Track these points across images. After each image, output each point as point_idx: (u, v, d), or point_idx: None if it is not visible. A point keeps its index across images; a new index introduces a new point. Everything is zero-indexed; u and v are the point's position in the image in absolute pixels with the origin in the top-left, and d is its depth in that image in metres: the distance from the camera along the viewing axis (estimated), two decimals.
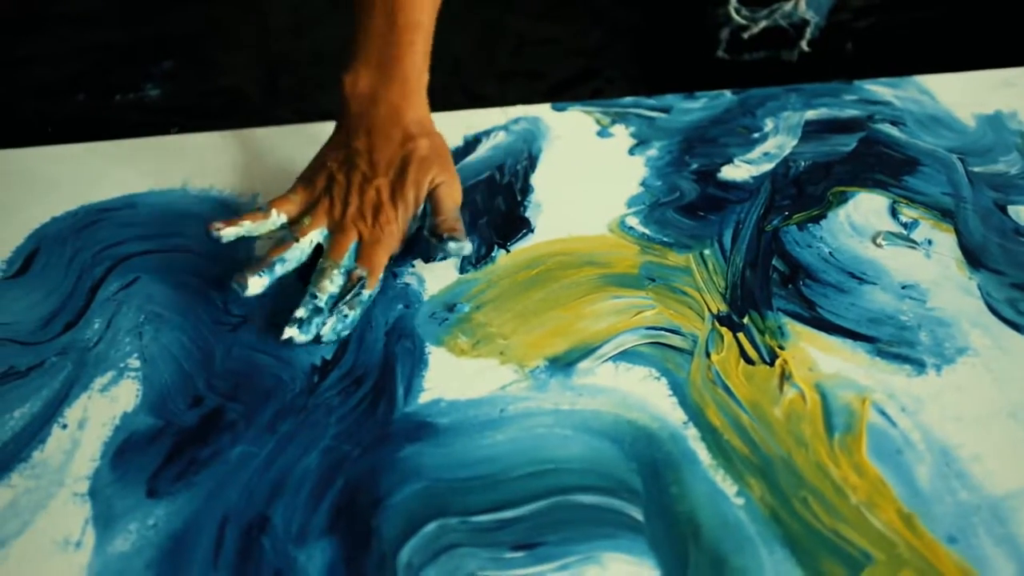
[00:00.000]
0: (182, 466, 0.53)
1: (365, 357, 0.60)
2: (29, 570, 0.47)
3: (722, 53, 0.96)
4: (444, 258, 0.66)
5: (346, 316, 0.62)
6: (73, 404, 0.57)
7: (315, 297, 0.63)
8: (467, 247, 0.66)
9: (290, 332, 0.61)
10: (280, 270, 0.64)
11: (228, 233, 0.65)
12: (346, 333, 0.62)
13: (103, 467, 0.53)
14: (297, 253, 0.65)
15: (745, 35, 0.95)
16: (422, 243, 0.68)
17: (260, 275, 0.63)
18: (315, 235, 0.66)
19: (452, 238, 0.65)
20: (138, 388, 0.58)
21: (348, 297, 0.63)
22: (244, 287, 0.62)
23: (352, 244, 0.66)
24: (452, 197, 0.68)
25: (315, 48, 1.00)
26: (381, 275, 0.65)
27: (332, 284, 0.64)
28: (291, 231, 0.66)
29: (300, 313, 0.62)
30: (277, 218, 0.67)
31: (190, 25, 1.05)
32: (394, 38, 0.69)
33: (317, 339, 0.62)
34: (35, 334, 0.62)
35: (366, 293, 0.64)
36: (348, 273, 0.65)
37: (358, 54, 0.69)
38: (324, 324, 0.62)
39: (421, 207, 0.68)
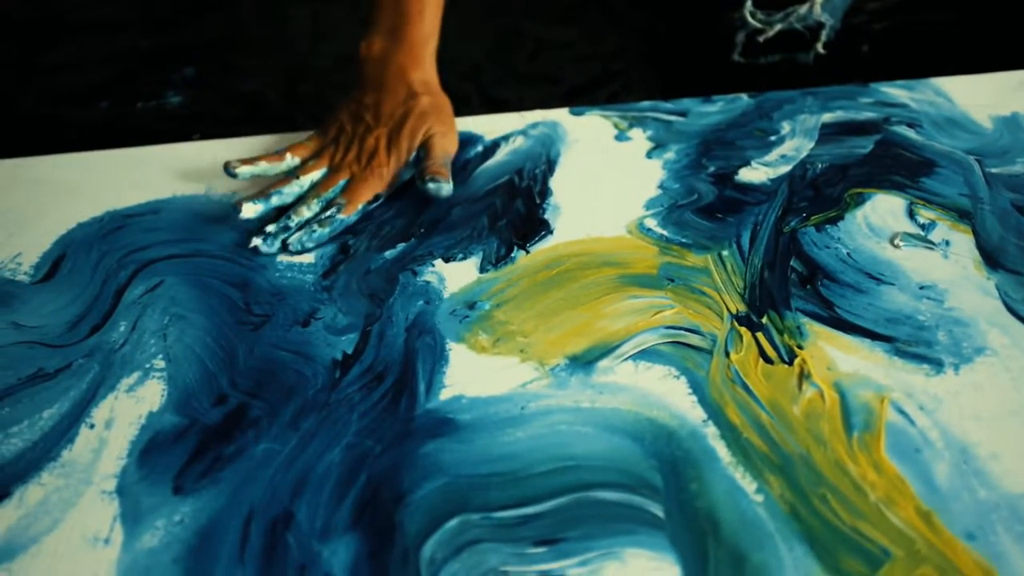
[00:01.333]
0: (207, 463, 0.53)
1: (386, 352, 0.60)
2: (60, 566, 0.48)
3: (738, 56, 0.96)
4: (429, 195, 0.73)
5: (314, 231, 0.70)
6: (100, 404, 0.57)
7: (288, 218, 0.71)
8: (445, 189, 0.72)
9: (256, 241, 0.69)
10: (276, 201, 0.73)
11: (243, 171, 0.74)
12: (311, 246, 0.70)
13: (130, 465, 0.53)
14: (295, 188, 0.74)
15: (760, 38, 0.95)
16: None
17: (255, 203, 0.72)
18: (315, 175, 0.75)
19: (433, 179, 0.72)
20: (163, 388, 0.58)
21: (322, 217, 0.71)
22: (239, 210, 0.71)
23: (341, 182, 0.74)
24: (442, 146, 0.76)
25: (334, 55, 1.01)
26: (360, 207, 0.72)
27: (308, 210, 0.72)
28: (296, 171, 0.75)
29: (269, 228, 0.70)
30: (291, 161, 0.76)
31: (211, 33, 1.07)
32: (403, 8, 0.80)
33: (284, 247, 0.69)
34: (62, 337, 0.63)
35: (339, 217, 0.71)
36: (328, 202, 0.73)
37: (372, 22, 0.81)
38: (291, 237, 0.70)
39: (413, 155, 0.76)
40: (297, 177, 0.74)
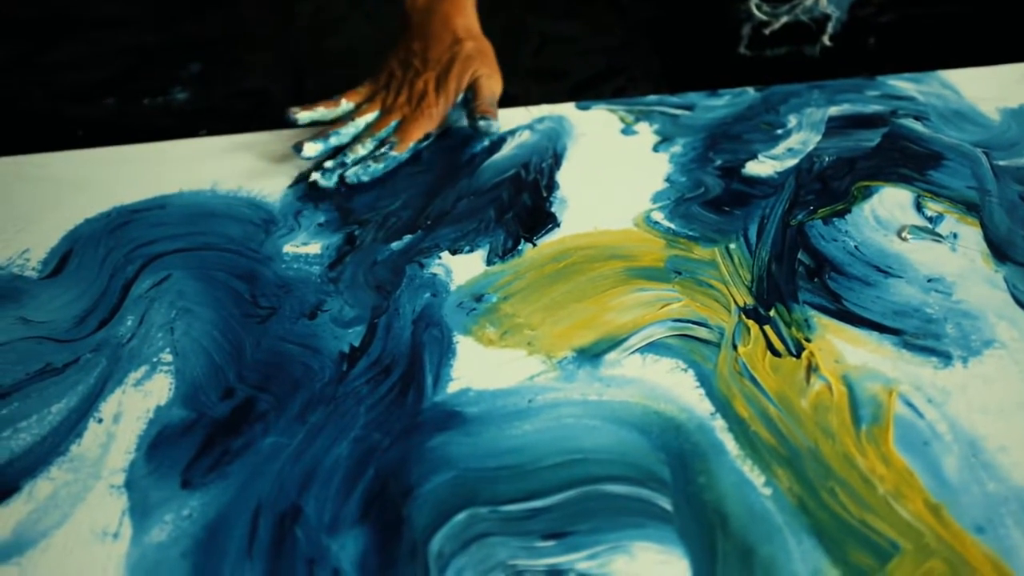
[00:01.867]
0: (215, 457, 0.53)
1: (393, 345, 0.60)
2: (69, 561, 0.48)
3: (744, 49, 0.96)
4: (480, 133, 0.79)
5: (369, 166, 0.76)
6: (108, 399, 0.57)
7: (345, 155, 0.77)
8: (494, 126, 0.78)
9: (315, 176, 0.75)
10: (334, 141, 0.78)
11: (303, 116, 0.79)
12: (367, 179, 0.75)
13: (138, 459, 0.54)
14: (351, 129, 0.79)
15: (766, 31, 0.95)
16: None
17: (315, 142, 0.77)
18: (369, 117, 0.80)
19: (483, 117, 0.78)
20: (171, 382, 0.58)
21: (377, 153, 0.77)
22: (300, 150, 0.76)
23: (393, 122, 0.79)
24: (489, 87, 0.81)
25: (341, 49, 1.01)
26: (411, 145, 0.78)
27: (363, 148, 0.78)
28: (352, 115, 0.80)
29: (328, 164, 0.76)
30: (346, 105, 0.81)
31: (217, 28, 1.07)
32: None
33: (342, 180, 0.75)
34: (70, 332, 0.63)
35: (393, 153, 0.77)
36: (381, 141, 0.78)
37: None
38: (347, 172, 0.75)
39: (460, 96, 0.81)
40: (353, 120, 0.80)
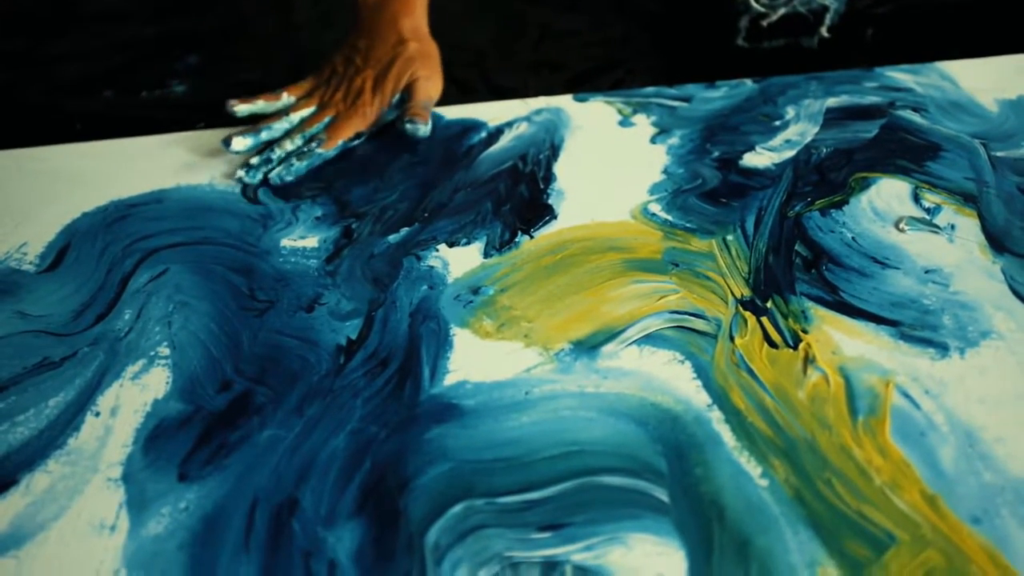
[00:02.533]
0: (212, 450, 0.53)
1: (390, 338, 0.60)
2: (67, 553, 0.49)
3: (742, 41, 0.96)
4: (407, 135, 0.77)
5: (292, 164, 0.75)
6: (106, 392, 0.58)
7: (272, 151, 0.76)
8: (422, 130, 0.77)
9: (240, 173, 0.74)
10: (266, 136, 0.78)
11: (241, 109, 0.79)
12: (290, 179, 0.75)
13: (135, 452, 0.54)
14: (285, 124, 0.79)
15: (764, 23, 0.95)
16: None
17: (245, 136, 0.76)
18: (305, 112, 0.80)
19: (411, 121, 0.77)
20: (168, 375, 0.58)
21: (303, 150, 0.76)
22: (229, 144, 0.76)
23: (327, 119, 0.79)
24: (425, 90, 0.80)
25: (339, 43, 1.01)
26: (340, 143, 0.77)
27: (291, 144, 0.77)
28: (289, 109, 0.80)
29: (253, 160, 0.75)
30: (287, 99, 0.81)
31: (215, 21, 1.06)
32: None
33: (265, 179, 0.75)
34: (68, 326, 0.63)
35: (319, 151, 0.76)
36: (311, 137, 0.78)
37: None
38: (272, 171, 0.75)
39: (397, 97, 0.80)
40: (288, 115, 0.79)
